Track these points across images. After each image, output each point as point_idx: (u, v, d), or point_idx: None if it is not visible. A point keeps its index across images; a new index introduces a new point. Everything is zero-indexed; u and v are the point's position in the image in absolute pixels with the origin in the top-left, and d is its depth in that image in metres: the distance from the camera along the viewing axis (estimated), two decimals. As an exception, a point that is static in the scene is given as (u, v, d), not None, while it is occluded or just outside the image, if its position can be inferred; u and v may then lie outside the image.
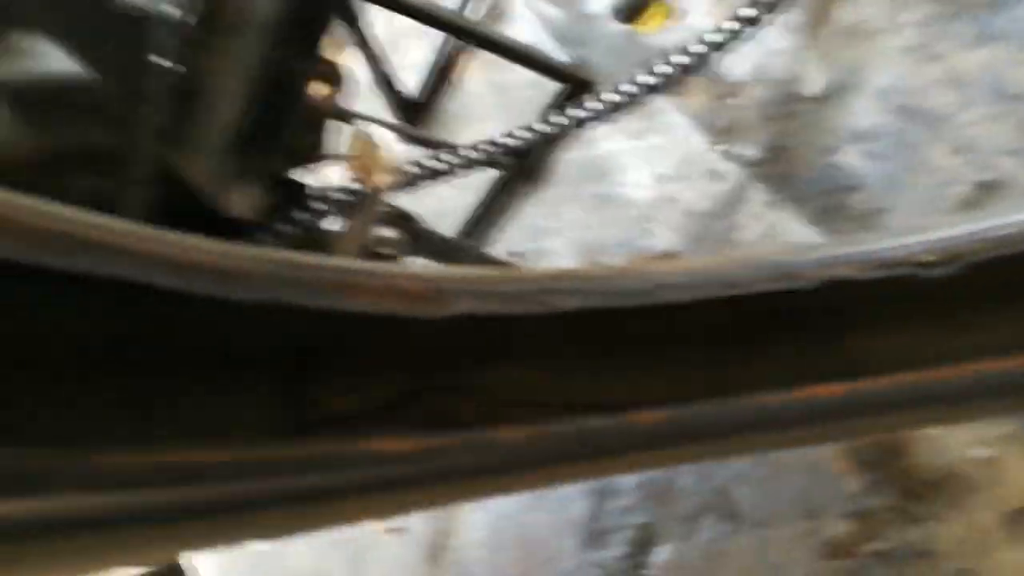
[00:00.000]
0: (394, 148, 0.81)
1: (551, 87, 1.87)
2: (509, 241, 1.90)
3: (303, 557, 2.17)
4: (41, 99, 0.75)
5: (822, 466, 1.22)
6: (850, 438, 1.03)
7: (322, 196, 1.00)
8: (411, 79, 2.28)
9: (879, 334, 0.65)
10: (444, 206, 2.15)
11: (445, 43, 2.27)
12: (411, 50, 2.43)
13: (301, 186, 1.04)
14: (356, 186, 0.99)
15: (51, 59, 0.75)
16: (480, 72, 2.20)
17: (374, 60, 2.18)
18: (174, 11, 0.70)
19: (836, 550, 1.17)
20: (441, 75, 2.38)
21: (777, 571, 1.24)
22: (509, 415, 0.57)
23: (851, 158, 1.22)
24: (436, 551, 1.84)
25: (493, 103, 2.11)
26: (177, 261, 0.30)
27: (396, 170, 0.83)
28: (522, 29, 1.92)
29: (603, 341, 0.61)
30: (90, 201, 0.89)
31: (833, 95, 1.27)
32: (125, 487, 0.26)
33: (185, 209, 0.93)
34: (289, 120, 0.82)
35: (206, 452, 0.32)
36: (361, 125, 0.84)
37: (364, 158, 0.84)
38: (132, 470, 0.27)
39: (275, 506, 0.40)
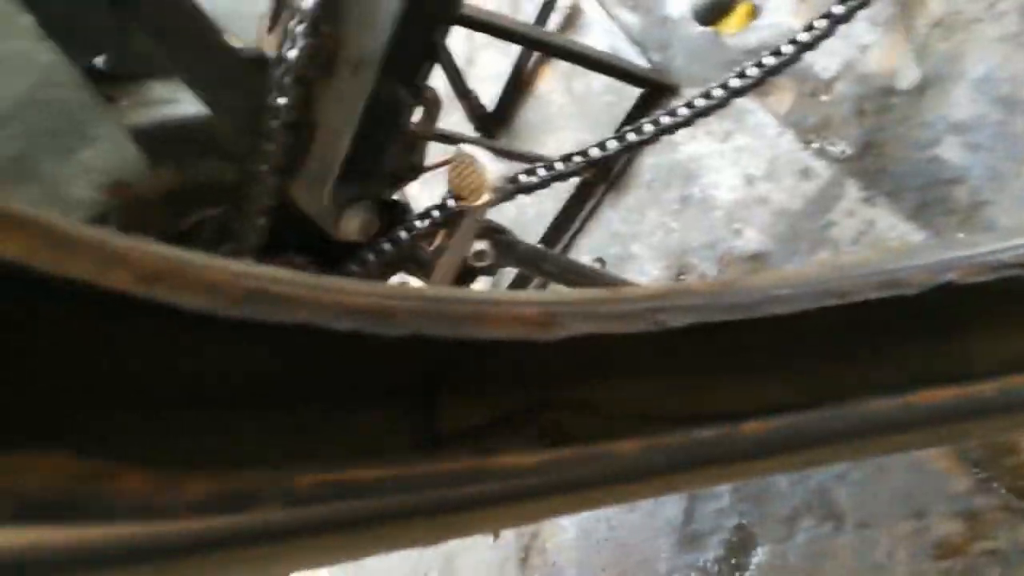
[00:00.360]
0: (493, 167, 0.85)
1: (629, 93, 1.88)
2: (593, 247, 1.92)
3: (399, 558, 2.23)
4: (173, 140, 0.81)
5: (926, 465, 1.19)
6: (961, 442, 1.01)
7: (421, 215, 1.04)
8: (488, 91, 2.32)
9: (989, 337, 0.65)
10: (524, 215, 2.19)
11: (522, 55, 2.31)
12: (488, 63, 2.47)
13: (402, 207, 1.09)
14: (453, 204, 1.03)
15: (182, 104, 0.82)
16: (557, 81, 2.22)
17: (453, 74, 2.24)
18: (290, 53, 0.76)
19: (944, 550, 1.14)
20: (518, 86, 2.41)
21: (881, 572, 1.22)
22: (622, 429, 0.60)
23: (950, 151, 1.19)
24: (526, 553, 1.86)
25: (572, 112, 2.13)
26: (344, 306, 0.34)
27: (496, 188, 0.86)
28: (600, 36, 1.93)
29: (712, 354, 0.62)
30: (217, 230, 0.96)
31: (929, 87, 1.24)
32: (314, 502, 0.30)
33: (298, 235, 0.99)
34: (394, 146, 0.86)
35: (365, 470, 0.36)
36: (462, 146, 0.88)
37: (466, 177, 0.87)
38: (317, 488, 0.30)
39: (419, 516, 0.44)
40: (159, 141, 0.78)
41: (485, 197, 0.85)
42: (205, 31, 0.77)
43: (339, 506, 0.33)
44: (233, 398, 0.40)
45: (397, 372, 0.50)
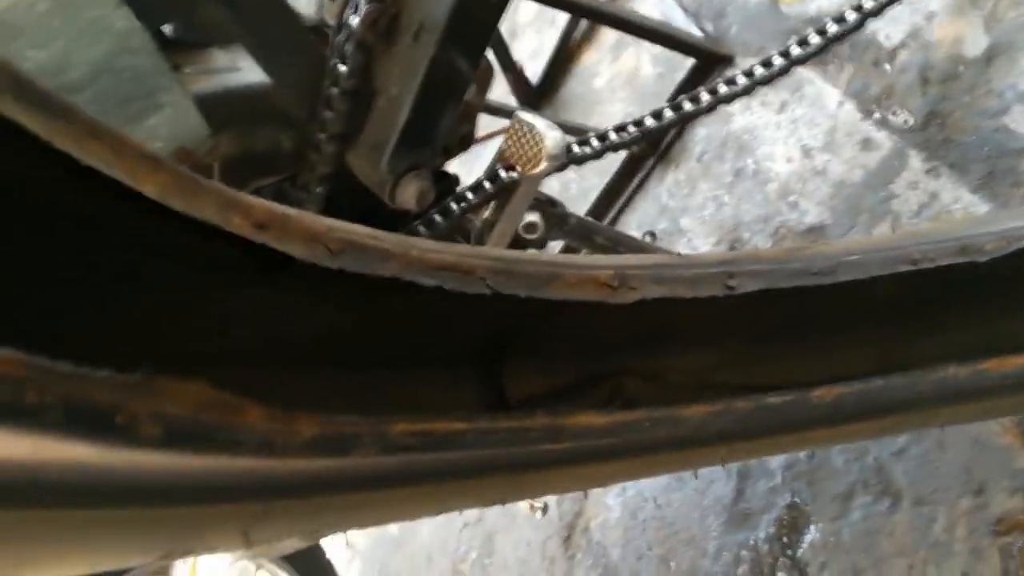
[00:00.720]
0: (551, 134, 0.84)
1: (680, 64, 1.85)
2: (641, 222, 1.90)
3: (437, 538, 2.25)
4: (234, 107, 0.83)
5: (986, 440, 1.17)
6: None
7: (473, 186, 1.04)
8: (530, 68, 2.31)
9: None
10: (568, 190, 2.18)
11: (569, 25, 2.29)
12: (532, 38, 2.46)
13: (453, 178, 1.09)
14: (504, 175, 1.02)
15: (243, 72, 0.83)
16: (605, 53, 2.20)
17: (498, 46, 2.23)
18: (352, 19, 0.76)
19: (1005, 526, 1.12)
20: (564, 59, 2.40)
21: (939, 549, 1.21)
22: (689, 395, 0.59)
23: (1019, 120, 1.15)
24: (570, 532, 1.86)
25: (620, 84, 2.11)
26: (429, 262, 0.34)
27: (555, 156, 0.85)
28: (651, 5, 1.90)
29: (780, 321, 0.62)
30: (274, 199, 0.97)
31: (997, 55, 1.19)
32: (406, 451, 0.30)
33: (351, 204, 1.00)
34: (452, 116, 0.86)
35: (451, 423, 0.36)
36: (523, 115, 0.88)
37: (524, 145, 0.87)
38: (409, 436, 0.31)
39: (498, 471, 0.44)
40: (221, 108, 0.79)
41: (543, 165, 0.85)
42: (272, -2, 0.78)
43: (426, 457, 0.34)
44: (313, 355, 0.41)
45: (464, 338, 0.51)
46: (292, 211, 0.32)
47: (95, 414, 0.20)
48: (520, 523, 2.01)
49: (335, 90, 0.81)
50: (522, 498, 0.50)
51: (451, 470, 0.39)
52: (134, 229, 0.26)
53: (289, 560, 1.59)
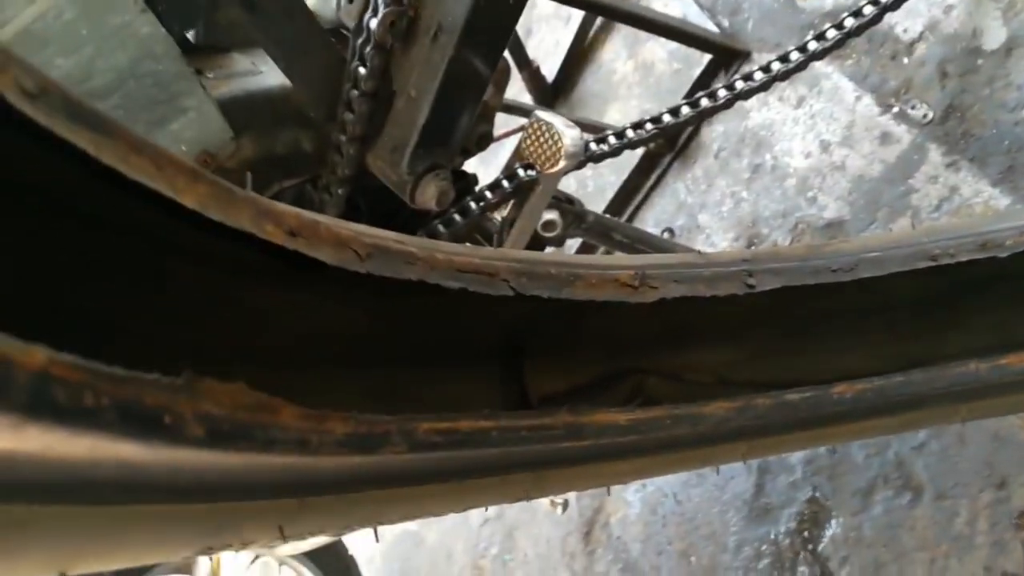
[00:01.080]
0: (569, 133, 0.85)
1: (696, 60, 1.84)
2: (658, 219, 1.90)
3: (460, 534, 2.25)
4: (255, 111, 0.84)
5: (1007, 435, 1.16)
6: None
7: (491, 186, 1.05)
8: (548, 64, 2.31)
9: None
10: (584, 188, 2.18)
11: (584, 22, 2.29)
12: (547, 34, 2.46)
13: (471, 177, 1.10)
14: (523, 173, 1.03)
15: (263, 75, 0.84)
16: (620, 50, 2.19)
17: (514, 44, 2.23)
18: (371, 22, 0.77)
19: (1027, 520, 1.12)
20: (579, 55, 2.40)
21: (961, 542, 1.20)
22: (711, 391, 0.60)
23: (1040, 113, 1.14)
24: (590, 528, 1.86)
25: (635, 80, 2.10)
26: (455, 265, 0.35)
27: (573, 155, 0.86)
28: (668, 1, 1.90)
29: (800, 318, 0.62)
30: (294, 201, 0.99)
31: (1016, 47, 1.18)
32: (432, 448, 0.31)
33: (371, 205, 1.01)
34: (471, 117, 0.87)
35: (475, 421, 0.37)
36: (541, 114, 0.88)
37: (542, 144, 0.88)
38: (435, 434, 0.32)
39: (521, 468, 0.45)
40: (242, 112, 0.80)
41: (562, 164, 0.85)
42: (292, 1, 0.79)
43: (452, 454, 0.35)
44: (342, 355, 0.42)
45: (486, 337, 0.51)
46: (322, 218, 0.33)
47: (146, 415, 0.21)
48: (540, 519, 2.02)
49: (355, 92, 0.82)
50: (545, 495, 0.51)
51: (476, 467, 0.40)
52: (172, 237, 0.27)
53: (311, 556, 1.61)
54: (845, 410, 0.58)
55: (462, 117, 0.87)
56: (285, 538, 0.30)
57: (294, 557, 1.61)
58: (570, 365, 0.60)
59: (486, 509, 2.18)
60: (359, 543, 2.33)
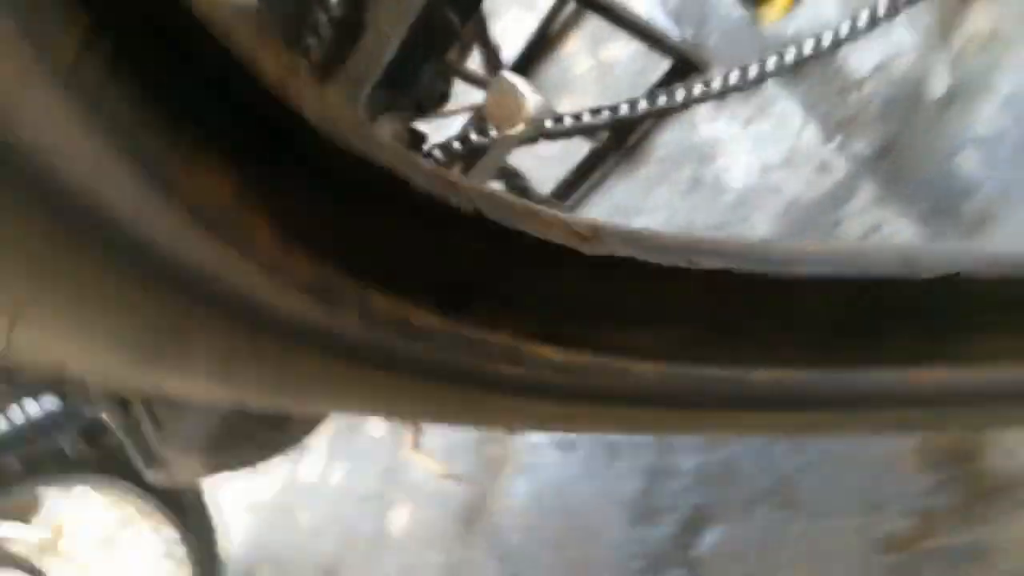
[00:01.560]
0: (533, 98, 0.85)
1: (656, 66, 1.86)
2: (596, 216, 1.91)
3: (329, 511, 2.20)
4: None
5: (890, 464, 1.22)
6: (946, 427, 1.03)
7: (441, 145, 1.04)
8: (509, 48, 2.29)
9: (988, 330, 0.68)
10: (528, 175, 2.18)
11: (552, 9, 2.28)
12: (511, 22, 2.44)
13: (421, 135, 1.08)
14: (475, 138, 1.03)
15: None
16: (584, 44, 2.20)
17: (479, 24, 2.21)
18: (349, -50, 0.75)
19: (892, 544, 1.17)
20: (542, 45, 2.39)
21: (829, 560, 1.25)
22: (642, 354, 0.61)
23: (969, 163, 1.20)
24: (472, 514, 1.85)
25: (595, 77, 2.12)
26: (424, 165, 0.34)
27: (533, 119, 0.86)
28: (637, 3, 1.92)
29: (735, 303, 0.64)
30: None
31: (957, 98, 1.25)
32: (382, 327, 0.30)
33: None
34: (433, 66, 0.86)
35: (421, 312, 0.37)
36: (507, 75, 0.88)
37: (504, 104, 0.87)
38: (385, 313, 0.31)
39: (450, 381, 0.45)
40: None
41: (520, 126, 0.85)
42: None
43: (396, 343, 0.34)
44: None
45: (432, 276, 0.51)
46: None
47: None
48: (420, 501, 2.00)
49: (323, 17, 0.80)
50: (472, 422, 0.51)
51: (416, 366, 0.39)
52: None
53: (177, 514, 1.57)
54: (763, 397, 0.60)
55: (427, 64, 0.86)
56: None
57: (160, 510, 1.58)
58: (512, 317, 0.60)
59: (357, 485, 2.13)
60: (229, 517, 2.23)
